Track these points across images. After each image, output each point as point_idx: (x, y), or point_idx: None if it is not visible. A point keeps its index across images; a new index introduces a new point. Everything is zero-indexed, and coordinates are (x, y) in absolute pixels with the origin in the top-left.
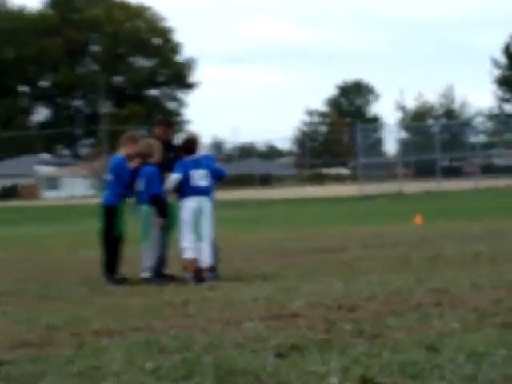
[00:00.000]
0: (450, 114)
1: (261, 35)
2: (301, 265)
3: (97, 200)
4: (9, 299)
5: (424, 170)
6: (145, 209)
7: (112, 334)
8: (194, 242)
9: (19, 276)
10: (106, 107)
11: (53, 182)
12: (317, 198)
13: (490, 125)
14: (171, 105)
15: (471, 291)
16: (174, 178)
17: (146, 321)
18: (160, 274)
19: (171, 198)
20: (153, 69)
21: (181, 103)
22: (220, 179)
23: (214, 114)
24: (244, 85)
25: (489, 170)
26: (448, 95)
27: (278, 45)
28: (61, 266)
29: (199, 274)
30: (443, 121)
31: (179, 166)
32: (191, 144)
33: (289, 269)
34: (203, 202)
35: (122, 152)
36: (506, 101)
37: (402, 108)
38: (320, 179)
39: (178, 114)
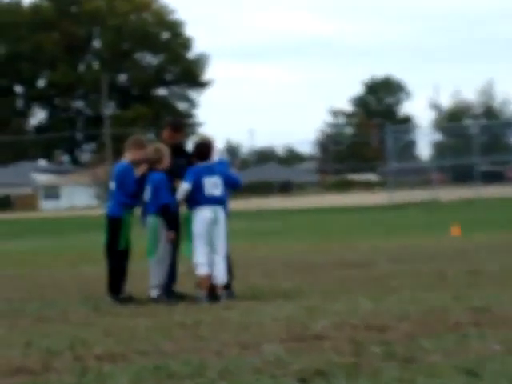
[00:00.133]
0: (489, 113)
1: (279, 28)
2: (325, 281)
3: (100, 211)
4: (3, 321)
5: (461, 176)
6: (152, 220)
7: (117, 358)
8: (208, 256)
9: (15, 295)
10: (109, 109)
11: (51, 192)
12: (342, 207)
13: None
14: (181, 105)
15: None
16: (183, 188)
17: (154, 344)
18: (170, 292)
19: (182, 208)
20: (161, 66)
21: (192, 103)
22: (233, 188)
23: (228, 115)
24: (261, 83)
25: None
26: (488, 92)
27: (299, 38)
28: (61, 284)
29: (213, 292)
30: (483, 121)
31: (190, 174)
32: (204, 149)
33: (312, 286)
34: (217, 212)
35: (127, 158)
36: None
37: (437, 107)
38: (345, 186)
39: (188, 116)
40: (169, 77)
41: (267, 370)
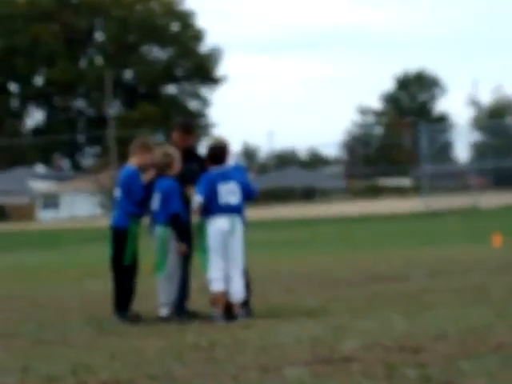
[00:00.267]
0: None
1: (300, 17)
2: (354, 297)
3: (104, 221)
4: None
5: (503, 180)
6: (161, 231)
7: None
8: (224, 271)
9: (11, 316)
10: (113, 108)
11: (50, 200)
12: (371, 215)
13: None
14: (192, 104)
15: None
16: (196, 201)
17: (164, 368)
18: (182, 311)
19: (195, 217)
20: (170, 61)
21: (204, 102)
22: (249, 198)
23: (244, 114)
24: (281, 79)
25: None
26: None
27: (323, 29)
28: (62, 303)
29: (229, 310)
30: None
31: (203, 183)
32: (218, 152)
33: (339, 302)
34: (234, 222)
35: (133, 162)
36: None
37: (476, 104)
38: (375, 192)
39: (200, 116)
40: (179, 72)
41: None
